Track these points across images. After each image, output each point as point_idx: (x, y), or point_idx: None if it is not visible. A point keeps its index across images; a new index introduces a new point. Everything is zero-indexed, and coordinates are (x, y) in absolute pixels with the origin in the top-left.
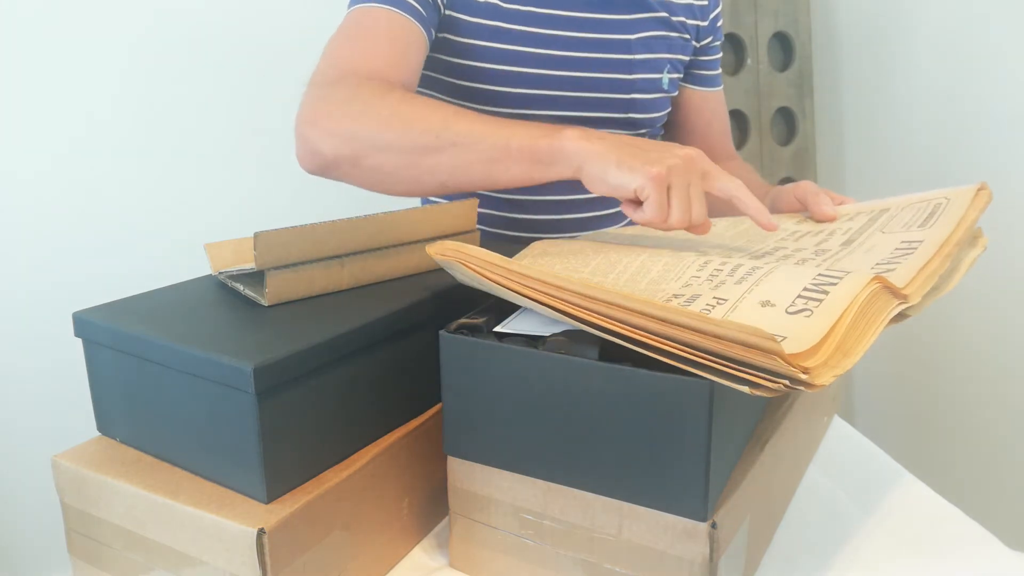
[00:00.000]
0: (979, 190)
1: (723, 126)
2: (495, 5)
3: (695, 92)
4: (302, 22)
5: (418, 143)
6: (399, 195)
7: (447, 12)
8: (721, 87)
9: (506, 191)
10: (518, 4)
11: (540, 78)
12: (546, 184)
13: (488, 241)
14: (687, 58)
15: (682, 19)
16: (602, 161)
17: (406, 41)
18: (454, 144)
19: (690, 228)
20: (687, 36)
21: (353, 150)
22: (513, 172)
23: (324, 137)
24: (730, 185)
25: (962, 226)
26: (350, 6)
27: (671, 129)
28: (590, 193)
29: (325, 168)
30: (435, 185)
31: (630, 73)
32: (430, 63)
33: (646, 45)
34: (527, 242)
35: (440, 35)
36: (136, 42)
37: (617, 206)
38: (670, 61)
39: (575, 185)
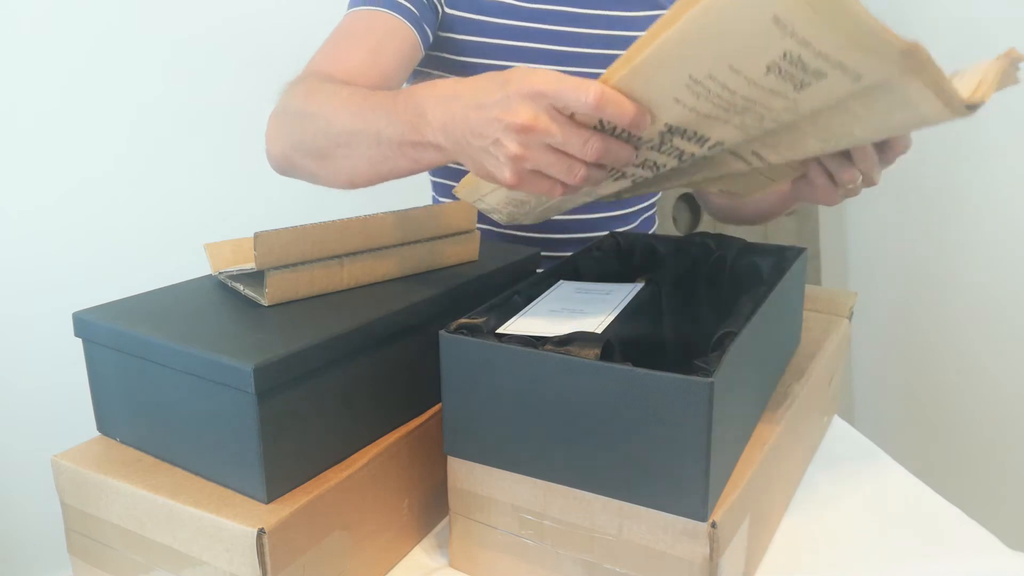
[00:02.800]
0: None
1: None
2: (509, 4)
3: None
4: (303, 22)
5: (316, 146)
6: (332, 187)
7: (449, 11)
8: None
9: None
10: (533, 2)
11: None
12: None
13: (488, 240)
14: None
15: None
16: (463, 159)
17: (384, 39)
18: (339, 146)
19: (602, 164)
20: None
21: (282, 152)
22: (400, 166)
23: (269, 141)
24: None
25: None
26: (347, 9)
27: None
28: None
29: (277, 167)
30: (355, 182)
31: None
32: (433, 62)
33: (627, 25)
34: (526, 241)
35: (443, 34)
36: (137, 44)
37: (626, 207)
38: None
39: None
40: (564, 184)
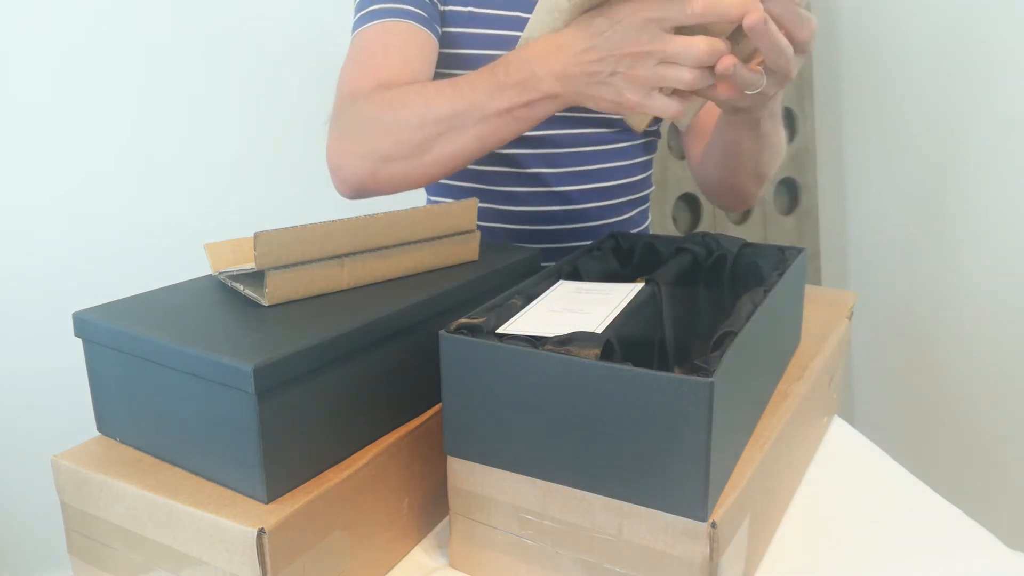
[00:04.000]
0: None
1: None
2: None
3: None
4: (302, 26)
5: (412, 144)
6: (431, 184)
7: (443, 7)
8: None
9: (501, 185)
10: None
11: None
12: (542, 176)
13: (488, 240)
14: None
15: None
16: (582, 99)
17: (408, 48)
18: (439, 135)
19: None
20: None
21: (367, 170)
22: (511, 130)
23: (343, 166)
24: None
25: None
26: (352, 31)
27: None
28: (586, 184)
29: (357, 192)
30: (450, 169)
31: None
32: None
33: None
34: (523, 236)
35: (443, 29)
36: (138, 45)
37: (617, 197)
38: None
39: (572, 177)
40: (677, 100)
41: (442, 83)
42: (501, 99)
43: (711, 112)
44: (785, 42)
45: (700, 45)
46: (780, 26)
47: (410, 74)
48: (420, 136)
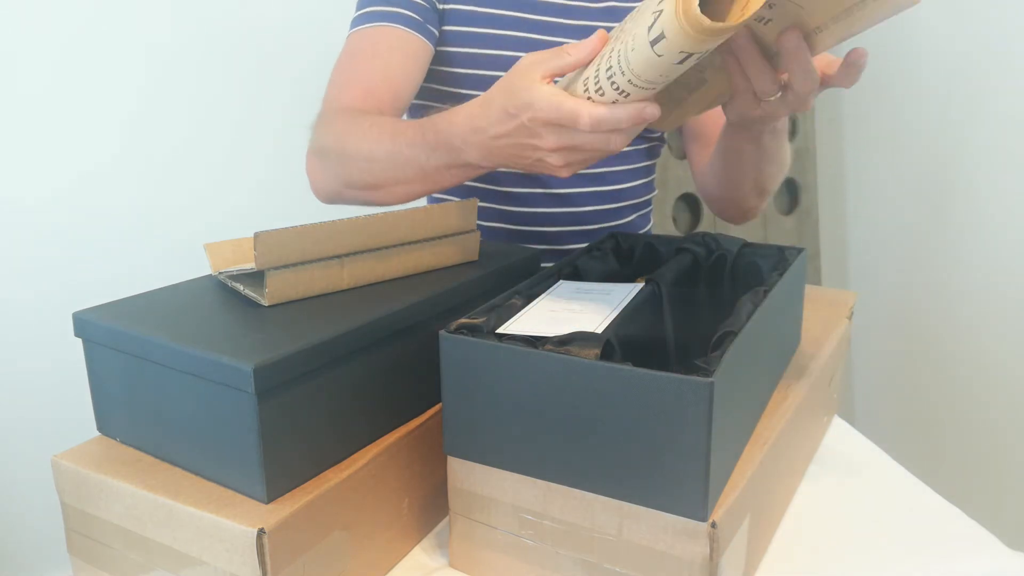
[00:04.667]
0: None
1: None
2: None
3: None
4: (302, 24)
5: (364, 180)
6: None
7: (441, 6)
8: None
9: (502, 185)
10: None
11: None
12: (542, 177)
13: (487, 240)
14: None
15: None
16: (512, 168)
17: (392, 55)
18: (386, 179)
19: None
20: None
21: (334, 189)
22: (453, 181)
23: (313, 180)
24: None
25: None
26: (349, 29)
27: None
28: (587, 187)
29: (326, 201)
30: (404, 200)
31: None
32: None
33: (610, 14)
34: (523, 237)
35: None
36: (137, 44)
37: (618, 201)
38: None
39: (573, 179)
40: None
41: (386, 128)
42: (435, 158)
43: (716, 121)
44: (815, 69)
45: (617, 139)
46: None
47: (391, 85)
48: (368, 176)
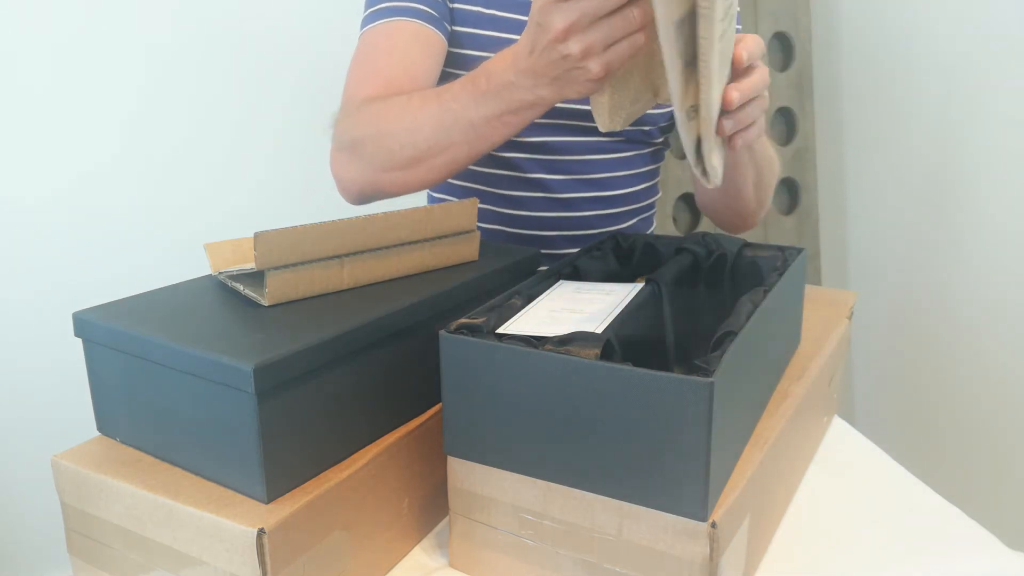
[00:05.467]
0: None
1: None
2: None
3: None
4: (304, 24)
5: (404, 156)
6: (428, 187)
7: (452, 5)
8: None
9: (502, 188)
10: None
11: None
12: (544, 182)
13: (487, 240)
14: None
15: None
16: (562, 92)
17: (410, 48)
18: (432, 147)
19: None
20: None
21: (367, 179)
22: (501, 134)
23: (343, 177)
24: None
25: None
26: (360, 28)
27: None
28: (587, 192)
29: (360, 199)
30: (449, 174)
31: None
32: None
33: None
34: (522, 240)
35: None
36: (137, 44)
37: (619, 206)
38: None
39: (573, 183)
40: (635, 37)
41: (428, 94)
42: (485, 107)
43: None
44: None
45: None
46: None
47: (412, 77)
48: (411, 150)
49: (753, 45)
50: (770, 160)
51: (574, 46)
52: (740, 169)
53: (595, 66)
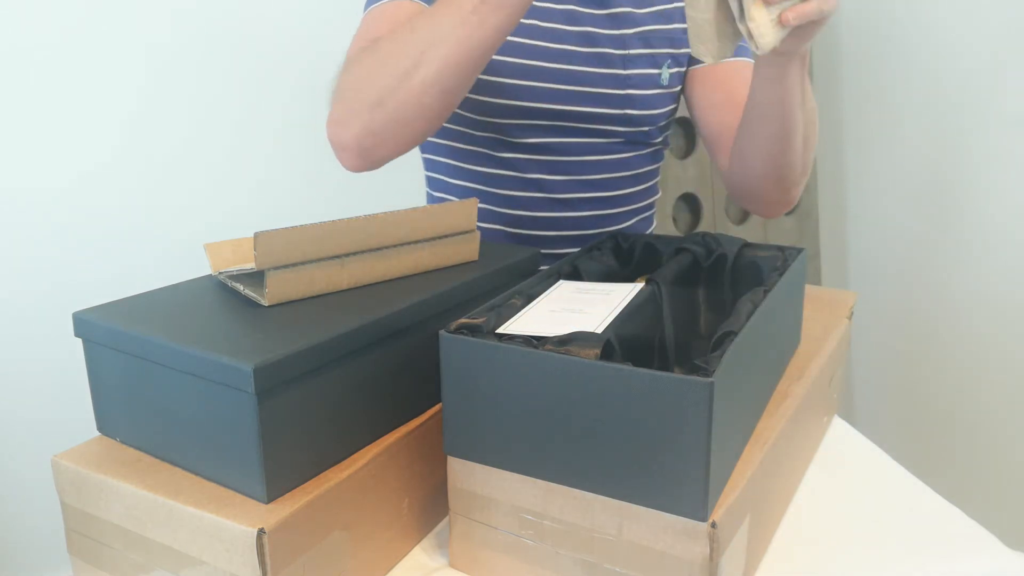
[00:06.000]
0: None
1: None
2: None
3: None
4: (304, 24)
5: (397, 74)
6: (432, 130)
7: None
8: (745, 58)
9: (503, 188)
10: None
11: (532, 69)
12: (543, 182)
13: (487, 240)
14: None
15: (680, 5)
16: None
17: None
18: (422, 51)
19: None
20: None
21: (361, 124)
22: (488, 35)
23: (338, 132)
24: None
25: None
26: (364, 9)
27: (704, 108)
28: (587, 192)
29: (359, 157)
30: (441, 94)
31: (624, 68)
32: None
33: (644, 40)
34: (522, 241)
35: None
36: (137, 44)
37: (619, 206)
38: (671, 56)
39: (572, 184)
40: None
41: (413, 16)
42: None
43: (738, 115)
44: None
45: None
46: None
47: None
48: (404, 62)
49: None
50: (814, 111)
51: None
52: (791, 105)
53: None
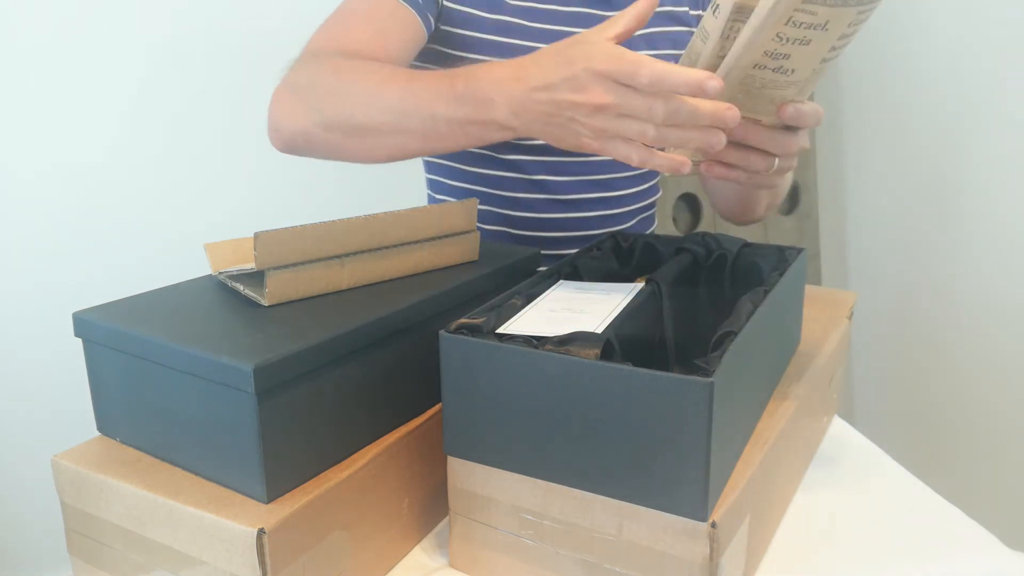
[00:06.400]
0: None
1: None
2: (503, 1)
3: None
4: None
5: (354, 123)
6: (361, 163)
7: (445, 3)
8: None
9: (505, 189)
10: (530, 1)
11: None
12: (547, 183)
13: (487, 240)
14: None
15: (685, 9)
16: (537, 135)
17: (388, 22)
18: (384, 124)
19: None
20: (695, 29)
21: (303, 129)
22: (459, 143)
23: (281, 117)
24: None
25: None
26: None
27: None
28: (591, 193)
29: (288, 148)
30: (387, 158)
31: None
32: (431, 55)
33: (648, 41)
34: (524, 241)
35: (441, 27)
36: (137, 43)
37: (622, 206)
38: (674, 58)
39: (577, 185)
40: (641, 146)
41: (400, 71)
42: (454, 110)
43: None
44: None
45: (661, 108)
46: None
47: (383, 50)
48: (364, 119)
49: (810, 109)
50: (786, 184)
51: (596, 121)
52: (755, 198)
53: (593, 142)
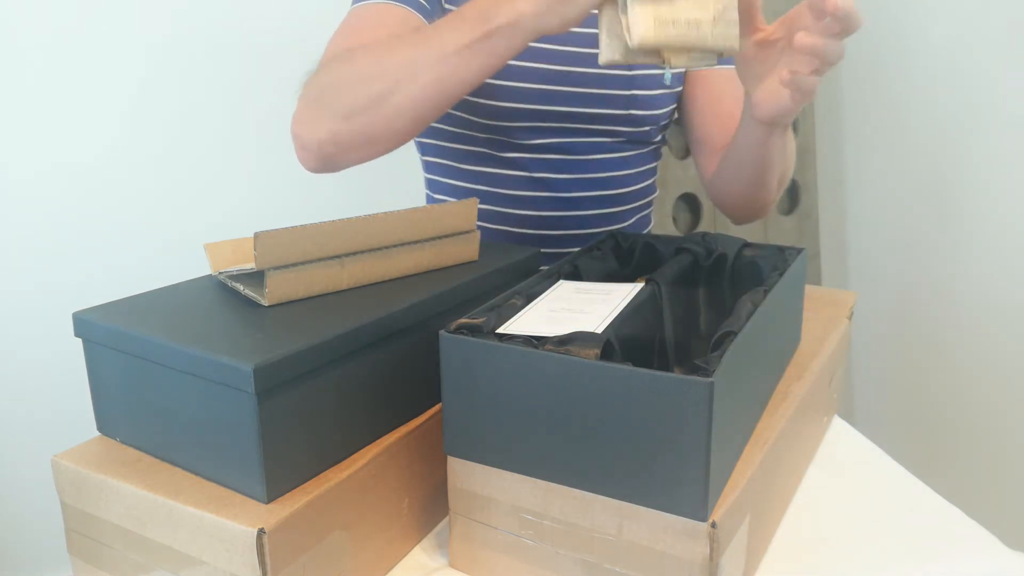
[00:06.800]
0: None
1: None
2: None
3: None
4: (302, 23)
5: (371, 95)
6: (399, 146)
7: (446, 6)
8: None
9: (506, 188)
10: None
11: (535, 72)
12: (547, 181)
13: (487, 240)
14: None
15: None
16: (546, 16)
17: (399, 28)
18: (399, 79)
19: None
20: None
21: (327, 131)
22: (472, 69)
23: (302, 133)
24: None
25: None
26: (351, 5)
27: (691, 114)
28: (591, 191)
29: (320, 160)
30: (412, 122)
31: (630, 69)
32: None
33: None
34: (525, 240)
35: None
36: (137, 43)
37: (622, 204)
38: None
39: (578, 183)
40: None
41: (404, 33)
42: (461, 32)
43: (722, 127)
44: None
45: None
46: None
47: None
48: (379, 85)
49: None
50: (792, 155)
51: None
52: (770, 155)
53: None
